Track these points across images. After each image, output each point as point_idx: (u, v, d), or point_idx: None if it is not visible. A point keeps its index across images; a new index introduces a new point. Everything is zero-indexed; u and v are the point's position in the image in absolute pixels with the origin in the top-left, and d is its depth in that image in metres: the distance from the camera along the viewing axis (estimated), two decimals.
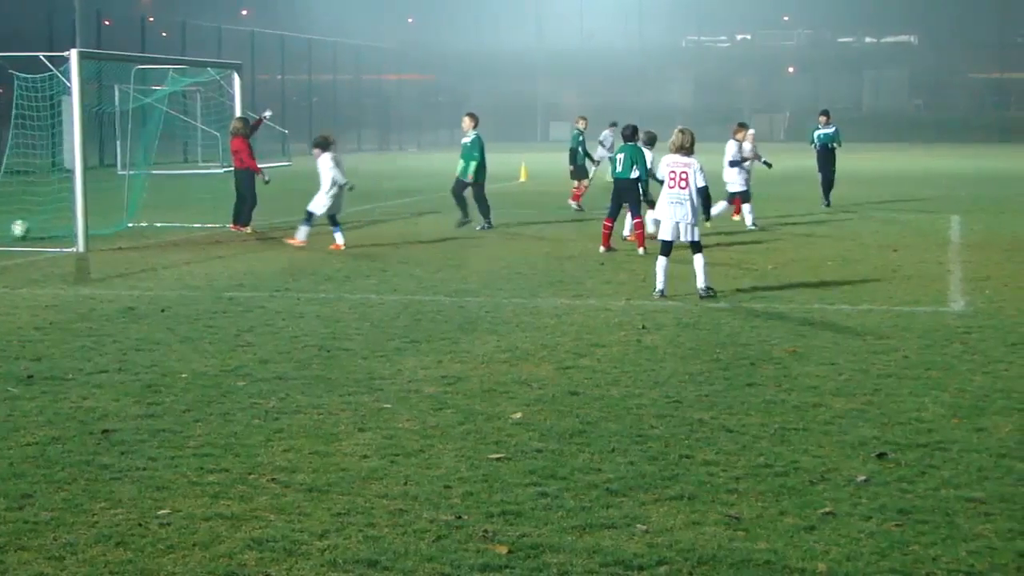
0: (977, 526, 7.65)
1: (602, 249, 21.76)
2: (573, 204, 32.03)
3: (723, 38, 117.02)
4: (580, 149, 32.64)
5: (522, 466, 8.88)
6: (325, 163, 22.77)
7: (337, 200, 22.78)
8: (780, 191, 35.74)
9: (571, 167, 32.89)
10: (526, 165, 47.01)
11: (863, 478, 8.58)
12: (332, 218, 22.88)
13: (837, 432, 9.80)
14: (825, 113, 33.45)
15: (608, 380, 11.74)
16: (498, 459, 9.05)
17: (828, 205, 31.60)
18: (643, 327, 14.51)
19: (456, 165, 26.95)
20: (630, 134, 22.51)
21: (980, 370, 12.12)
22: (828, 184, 32.01)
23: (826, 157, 32.30)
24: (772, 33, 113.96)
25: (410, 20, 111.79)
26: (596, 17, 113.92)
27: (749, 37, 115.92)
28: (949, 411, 10.47)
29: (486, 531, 7.54)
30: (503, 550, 7.22)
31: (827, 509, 7.95)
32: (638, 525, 7.65)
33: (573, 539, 7.43)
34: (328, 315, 15.49)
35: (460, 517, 7.80)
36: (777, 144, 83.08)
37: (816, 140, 32.61)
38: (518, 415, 10.36)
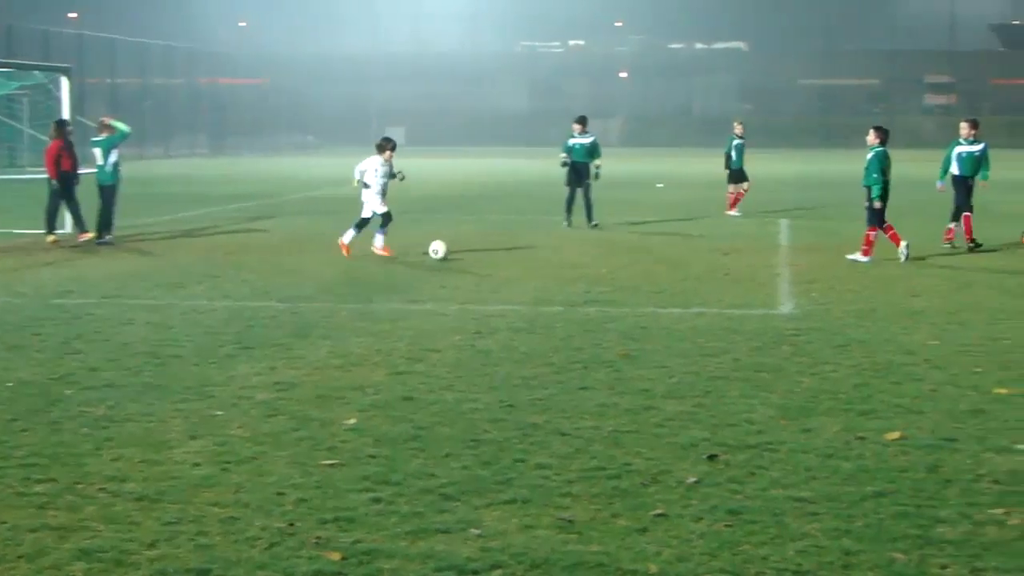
0: (805, 525, 7.78)
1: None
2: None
3: (557, 43, 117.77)
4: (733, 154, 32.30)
5: (356, 472, 8.84)
6: (372, 164, 22.30)
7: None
8: (619, 195, 36.05)
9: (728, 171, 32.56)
10: None
11: (694, 479, 8.69)
12: (364, 221, 22.44)
13: (669, 434, 9.91)
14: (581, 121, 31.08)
15: (442, 385, 11.74)
16: (331, 465, 9.00)
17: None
18: (478, 331, 14.54)
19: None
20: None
21: (808, 372, 12.34)
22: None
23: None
24: (605, 39, 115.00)
25: (243, 24, 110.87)
26: (431, 21, 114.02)
27: (582, 43, 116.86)
28: (778, 412, 10.65)
29: (319, 538, 7.50)
30: (336, 556, 7.19)
31: (659, 511, 8.03)
32: (472, 530, 7.66)
33: (406, 544, 7.41)
34: (159, 321, 15.26)
35: (293, 524, 7.74)
36: (611, 149, 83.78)
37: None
38: (352, 421, 10.31)
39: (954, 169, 23.30)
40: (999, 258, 21.82)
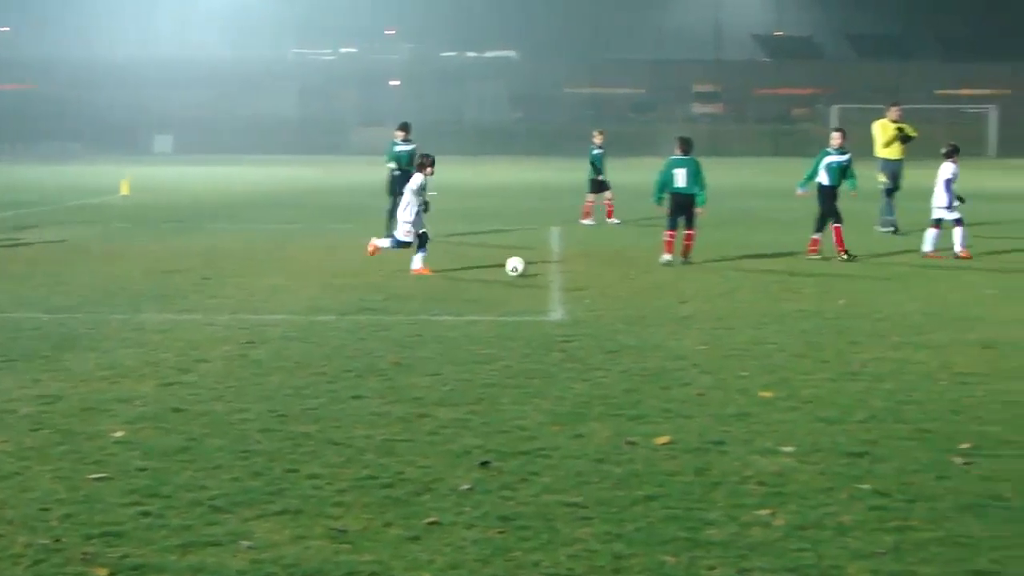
0: (576, 530, 7.85)
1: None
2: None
3: (328, 51, 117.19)
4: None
5: (123, 485, 8.66)
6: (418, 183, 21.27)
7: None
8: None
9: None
10: (129, 178, 45.80)
11: (467, 486, 8.70)
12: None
13: (442, 442, 9.92)
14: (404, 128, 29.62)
15: (212, 395, 11.57)
16: (98, 479, 8.80)
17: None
18: (249, 341, 14.37)
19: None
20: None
21: (579, 378, 12.46)
22: None
23: None
24: (376, 47, 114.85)
25: (6, 29, 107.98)
26: (201, 27, 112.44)
27: (354, 50, 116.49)
28: (550, 418, 10.73)
29: (86, 553, 7.32)
30: (103, 572, 7.04)
31: (432, 519, 8.03)
32: (242, 541, 7.56)
33: (176, 558, 7.29)
34: None
35: (59, 540, 7.55)
36: (381, 158, 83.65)
37: None
38: (120, 433, 10.10)
39: (822, 179, 23.41)
40: (765, 264, 22.30)
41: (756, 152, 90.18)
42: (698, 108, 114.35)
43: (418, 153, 27.04)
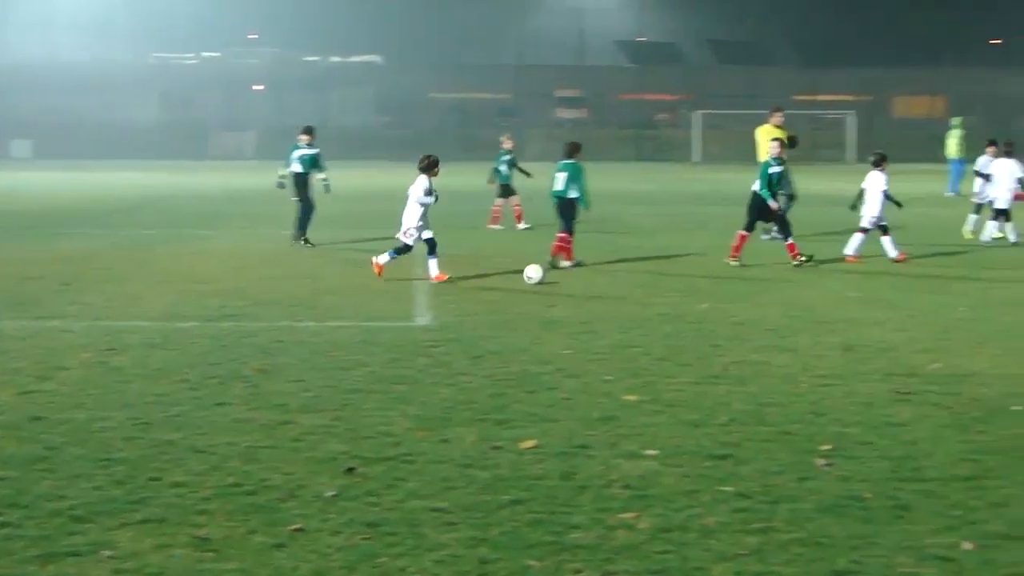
0: (442, 535, 7.84)
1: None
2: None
3: (190, 55, 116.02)
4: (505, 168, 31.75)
5: None
6: (424, 186, 20.93)
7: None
8: (257, 209, 35.77)
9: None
10: None
11: (332, 493, 8.66)
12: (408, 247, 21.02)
13: (306, 448, 9.85)
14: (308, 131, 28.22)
15: (72, 403, 11.39)
16: None
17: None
18: (110, 348, 14.17)
19: None
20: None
21: (445, 383, 12.45)
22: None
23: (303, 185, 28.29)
24: (239, 51, 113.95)
25: None
26: (61, 31, 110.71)
27: (217, 55, 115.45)
28: (415, 424, 10.70)
29: None
30: None
31: (297, 526, 7.97)
32: (104, 551, 7.45)
33: (35, 569, 7.17)
34: None
35: None
36: (246, 162, 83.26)
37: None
38: None
39: (758, 186, 23.38)
40: (630, 267, 22.44)
41: (619, 157, 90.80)
42: (562, 113, 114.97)
43: (322, 157, 26.97)
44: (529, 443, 10.06)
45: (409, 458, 9.59)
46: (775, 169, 23.06)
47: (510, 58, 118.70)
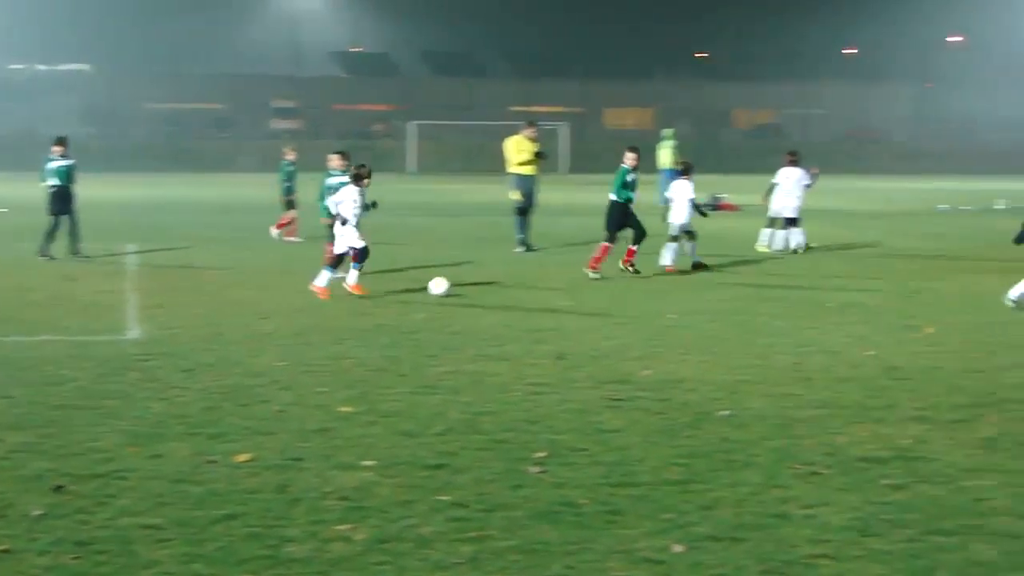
0: (155, 552, 7.71)
1: None
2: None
3: None
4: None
5: None
6: (350, 195, 20.35)
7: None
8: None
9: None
10: None
11: (39, 512, 8.43)
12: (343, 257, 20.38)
13: (12, 467, 9.57)
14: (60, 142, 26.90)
15: None
16: None
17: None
18: None
19: None
20: None
21: (157, 397, 12.24)
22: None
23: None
24: None
25: None
26: None
27: None
28: (127, 439, 10.50)
29: None
30: None
31: (3, 547, 7.75)
32: None
33: None
34: None
35: None
36: None
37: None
38: None
39: (618, 195, 23.30)
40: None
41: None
42: (277, 123, 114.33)
43: (76, 168, 26.09)
44: (243, 456, 9.96)
45: (121, 474, 9.40)
46: (631, 177, 23.32)
47: (226, 68, 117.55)
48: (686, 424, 11.35)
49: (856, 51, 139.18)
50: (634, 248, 23.31)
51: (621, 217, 23.26)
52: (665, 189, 48.38)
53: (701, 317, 18.08)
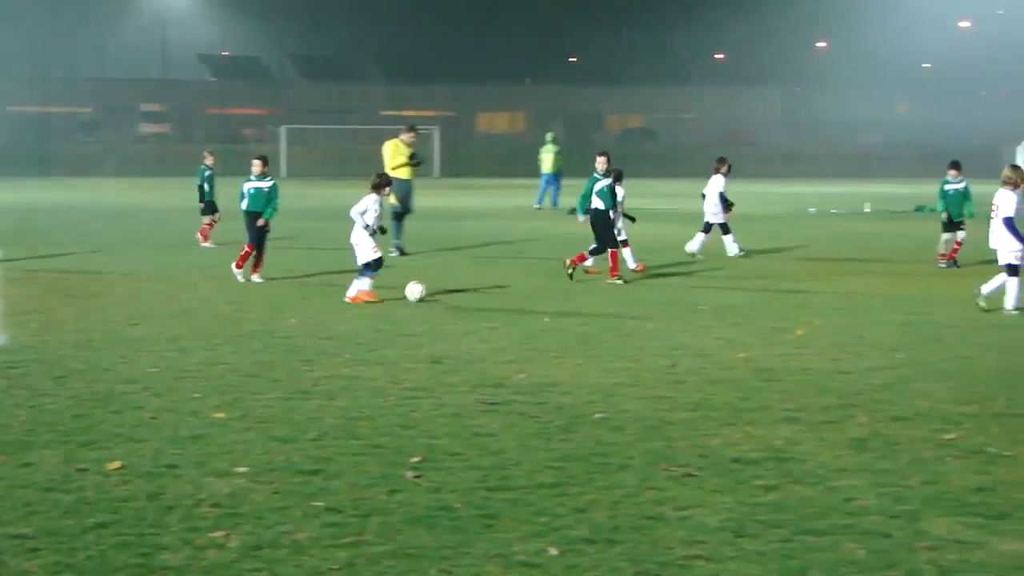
0: (24, 562, 7.59)
1: None
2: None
3: None
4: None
5: None
6: (371, 203, 20.22)
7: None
8: None
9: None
10: None
11: None
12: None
13: None
14: None
15: None
16: None
17: None
18: None
19: None
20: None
21: (25, 404, 12.04)
22: None
23: None
24: None
25: None
26: None
27: None
28: None
29: None
30: None
31: None
32: None
33: None
34: None
35: None
36: None
37: None
38: None
39: (597, 204, 23.14)
40: (214, 286, 22.20)
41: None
42: (145, 128, 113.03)
43: None
44: (115, 464, 9.84)
45: None
46: (601, 184, 23.48)
47: (93, 71, 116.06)
48: (561, 427, 11.40)
49: (725, 56, 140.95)
50: (587, 255, 23.58)
51: (607, 220, 23.53)
52: (545, 192, 48.88)
53: (574, 320, 18.17)
